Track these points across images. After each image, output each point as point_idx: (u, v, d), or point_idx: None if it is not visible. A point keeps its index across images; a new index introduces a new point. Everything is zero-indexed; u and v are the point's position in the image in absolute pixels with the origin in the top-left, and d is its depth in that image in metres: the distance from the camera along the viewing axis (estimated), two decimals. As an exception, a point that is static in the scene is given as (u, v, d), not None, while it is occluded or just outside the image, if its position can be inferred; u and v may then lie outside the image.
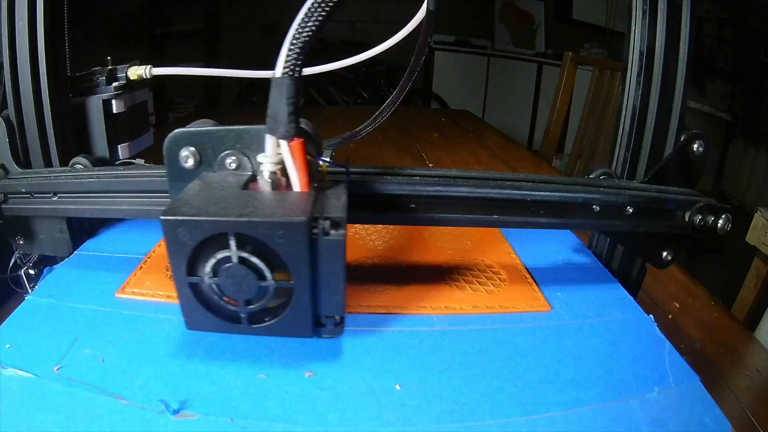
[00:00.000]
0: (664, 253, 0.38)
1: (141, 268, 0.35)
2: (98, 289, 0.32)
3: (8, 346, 0.27)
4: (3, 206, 0.37)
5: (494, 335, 0.30)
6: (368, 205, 0.31)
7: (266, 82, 0.26)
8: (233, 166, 0.28)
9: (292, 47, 0.24)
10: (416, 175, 0.32)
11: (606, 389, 0.26)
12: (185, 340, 0.28)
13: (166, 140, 0.28)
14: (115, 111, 0.40)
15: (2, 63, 0.37)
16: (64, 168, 0.38)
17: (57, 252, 0.39)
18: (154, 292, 0.32)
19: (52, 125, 0.38)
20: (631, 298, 0.34)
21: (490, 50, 2.89)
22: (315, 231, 0.23)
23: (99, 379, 0.24)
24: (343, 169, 0.29)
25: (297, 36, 0.24)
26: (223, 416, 0.23)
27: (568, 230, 0.44)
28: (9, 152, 0.37)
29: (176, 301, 0.31)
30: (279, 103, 0.25)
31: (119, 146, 0.41)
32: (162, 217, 0.23)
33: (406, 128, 1.22)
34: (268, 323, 0.26)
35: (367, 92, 2.67)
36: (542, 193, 0.32)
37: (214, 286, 0.25)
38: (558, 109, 1.39)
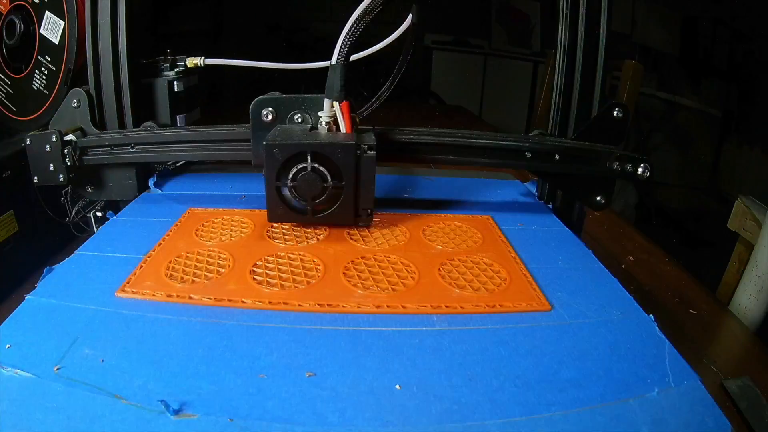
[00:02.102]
0: (598, 197, 0.47)
1: (141, 268, 0.35)
2: (98, 289, 0.32)
3: (8, 346, 0.27)
4: (84, 158, 0.47)
5: (494, 335, 0.30)
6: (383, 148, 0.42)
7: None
8: (299, 120, 0.42)
9: (344, 43, 0.37)
10: (412, 132, 0.46)
11: (606, 389, 0.26)
12: (185, 340, 0.28)
13: (252, 104, 0.42)
14: (176, 90, 0.53)
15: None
16: (138, 128, 0.50)
17: (125, 196, 0.51)
18: (154, 292, 0.32)
19: (129, 98, 0.49)
20: (631, 298, 0.34)
21: (487, 49, 2.89)
22: (359, 151, 0.37)
23: (99, 379, 0.24)
24: (369, 127, 0.43)
25: (348, 34, 0.37)
26: (223, 416, 0.23)
27: (569, 230, 0.44)
28: (89, 117, 0.48)
29: (176, 301, 0.31)
30: (335, 79, 0.38)
31: (178, 116, 0.54)
32: (265, 142, 0.37)
33: (401, 121, 1.22)
34: (324, 214, 0.39)
35: (366, 90, 2.67)
36: (485, 141, 0.44)
37: (292, 190, 0.38)
38: (542, 104, 1.46)
